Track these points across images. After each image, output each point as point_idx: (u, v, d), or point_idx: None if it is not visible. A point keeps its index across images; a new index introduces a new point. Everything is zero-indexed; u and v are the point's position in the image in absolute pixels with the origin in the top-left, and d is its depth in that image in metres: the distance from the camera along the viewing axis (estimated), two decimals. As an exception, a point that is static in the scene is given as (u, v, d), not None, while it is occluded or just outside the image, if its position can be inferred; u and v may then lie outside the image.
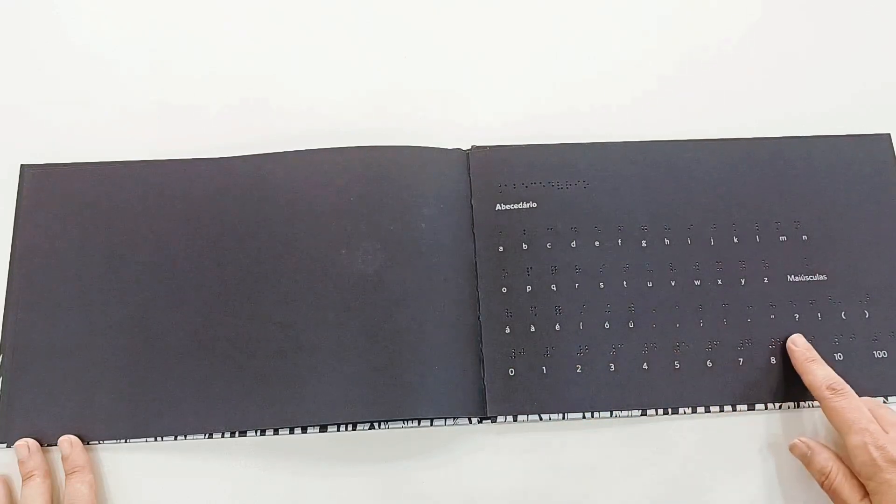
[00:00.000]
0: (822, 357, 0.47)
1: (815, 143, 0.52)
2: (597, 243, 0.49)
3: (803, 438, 0.45)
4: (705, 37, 0.56)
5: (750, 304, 0.49)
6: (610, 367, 0.47)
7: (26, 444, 0.44)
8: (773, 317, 0.48)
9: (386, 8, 0.56)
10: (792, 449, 0.46)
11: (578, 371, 0.47)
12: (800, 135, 0.53)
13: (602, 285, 0.49)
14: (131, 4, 0.56)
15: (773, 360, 0.48)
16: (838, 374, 0.45)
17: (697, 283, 0.49)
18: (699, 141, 0.52)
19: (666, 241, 0.50)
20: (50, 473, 0.44)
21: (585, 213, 0.50)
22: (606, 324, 0.48)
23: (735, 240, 0.50)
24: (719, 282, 0.49)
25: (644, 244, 0.50)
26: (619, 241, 0.50)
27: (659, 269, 0.49)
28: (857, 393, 0.45)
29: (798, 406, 0.47)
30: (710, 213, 0.50)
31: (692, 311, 0.48)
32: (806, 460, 0.45)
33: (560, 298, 0.48)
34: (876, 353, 0.48)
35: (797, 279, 0.49)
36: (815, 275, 0.49)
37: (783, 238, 0.50)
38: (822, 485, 0.44)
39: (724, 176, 0.51)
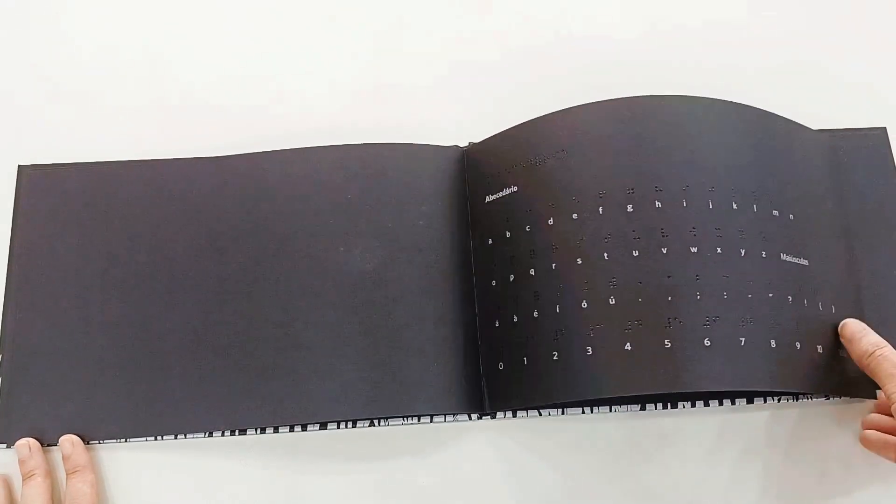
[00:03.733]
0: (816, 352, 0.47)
1: (812, 137, 0.52)
2: (574, 216, 0.45)
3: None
4: (703, 29, 0.56)
5: (751, 280, 0.44)
6: (587, 350, 0.43)
7: (27, 443, 0.44)
8: (770, 295, 0.44)
9: (384, 6, 0.56)
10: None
11: (555, 359, 0.43)
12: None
13: (579, 261, 0.44)
14: (131, 4, 0.56)
15: (773, 343, 0.43)
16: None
17: (694, 250, 0.43)
18: (694, 97, 0.47)
19: (657, 203, 0.44)
20: (50, 473, 0.44)
21: (562, 186, 0.45)
22: (584, 303, 0.43)
23: (734, 206, 0.45)
24: (718, 250, 0.43)
25: (630, 209, 0.44)
26: (601, 210, 0.44)
27: (647, 235, 0.43)
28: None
29: (797, 399, 0.47)
30: (709, 174, 0.45)
31: (688, 282, 0.43)
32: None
33: (538, 284, 0.45)
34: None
35: (790, 259, 0.46)
36: (800, 259, 0.46)
37: (779, 222, 0.46)
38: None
39: (722, 138, 0.46)
